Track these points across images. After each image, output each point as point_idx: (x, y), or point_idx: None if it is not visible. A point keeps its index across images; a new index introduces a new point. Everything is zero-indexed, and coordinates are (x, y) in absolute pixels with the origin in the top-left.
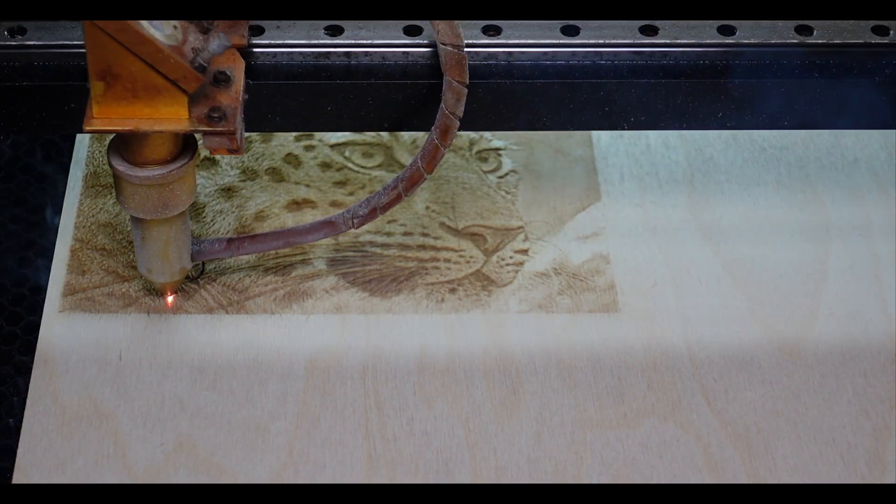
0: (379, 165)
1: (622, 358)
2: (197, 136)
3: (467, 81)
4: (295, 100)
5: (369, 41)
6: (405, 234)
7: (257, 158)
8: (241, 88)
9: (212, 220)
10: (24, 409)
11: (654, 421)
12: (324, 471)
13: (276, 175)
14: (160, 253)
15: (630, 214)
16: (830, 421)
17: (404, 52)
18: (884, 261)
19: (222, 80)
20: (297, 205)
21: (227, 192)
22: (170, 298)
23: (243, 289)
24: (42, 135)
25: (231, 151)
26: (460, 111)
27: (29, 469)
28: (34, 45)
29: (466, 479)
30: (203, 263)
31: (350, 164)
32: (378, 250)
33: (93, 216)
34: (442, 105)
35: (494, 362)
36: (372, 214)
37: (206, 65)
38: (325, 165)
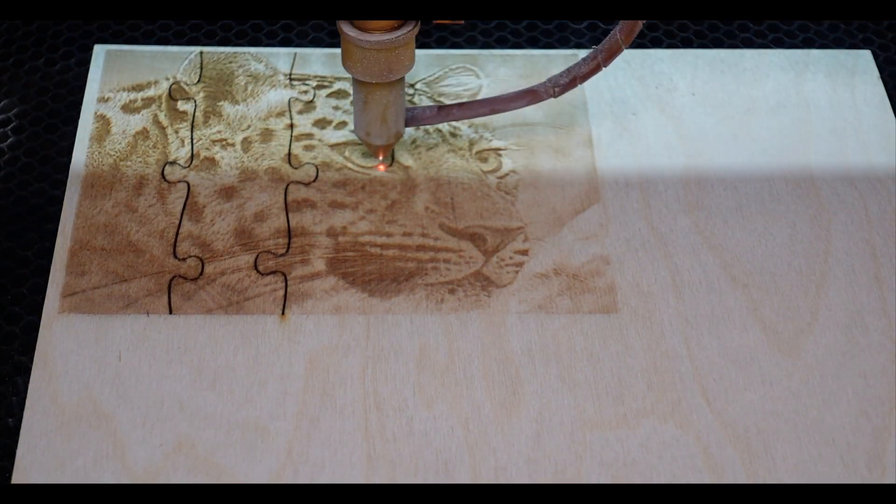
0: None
1: (622, 358)
2: None
3: None
4: None
5: None
6: (405, 234)
7: (257, 158)
8: None
9: (211, 221)
10: (23, 409)
11: (654, 421)
12: (323, 471)
13: (275, 175)
14: (380, 116)
15: (630, 215)
16: (830, 421)
17: None
18: (884, 261)
19: None
20: (296, 205)
21: (227, 192)
22: (381, 161)
23: (242, 289)
24: None
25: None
26: None
27: (28, 469)
28: None
29: (466, 480)
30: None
31: (350, 164)
32: (378, 251)
33: (92, 217)
34: None
35: (494, 362)
36: (572, 83)
37: None
38: (325, 165)
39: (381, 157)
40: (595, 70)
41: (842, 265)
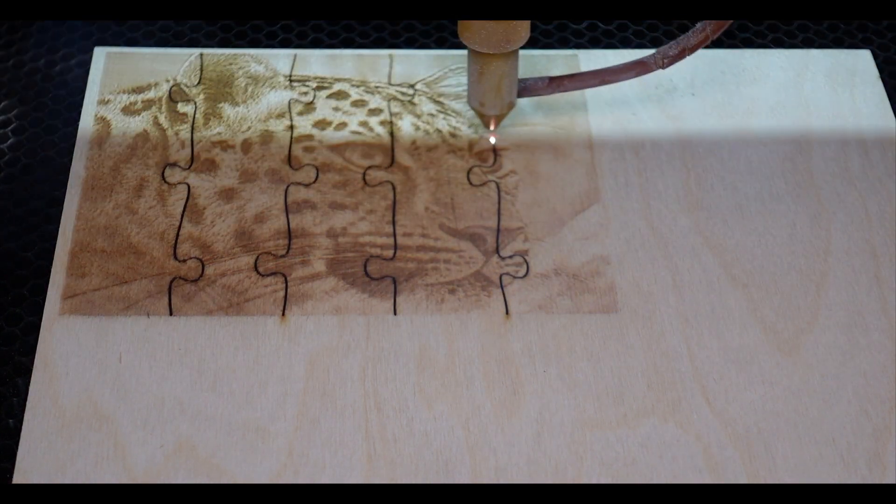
0: (378, 165)
1: (622, 358)
2: None
3: None
4: None
5: None
6: (405, 234)
7: (257, 160)
8: None
9: (211, 223)
10: (23, 409)
11: (654, 421)
12: (324, 472)
13: (275, 176)
14: (495, 86)
15: (630, 215)
16: (830, 421)
17: None
18: (884, 261)
19: None
20: (296, 206)
21: (227, 193)
22: (492, 131)
23: (243, 290)
24: None
25: None
26: None
27: (29, 471)
28: None
29: (466, 480)
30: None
31: (350, 165)
32: (378, 251)
33: (92, 219)
34: None
35: (494, 363)
36: (681, 55)
37: None
38: (325, 166)
39: (492, 128)
40: (703, 41)
41: (842, 265)
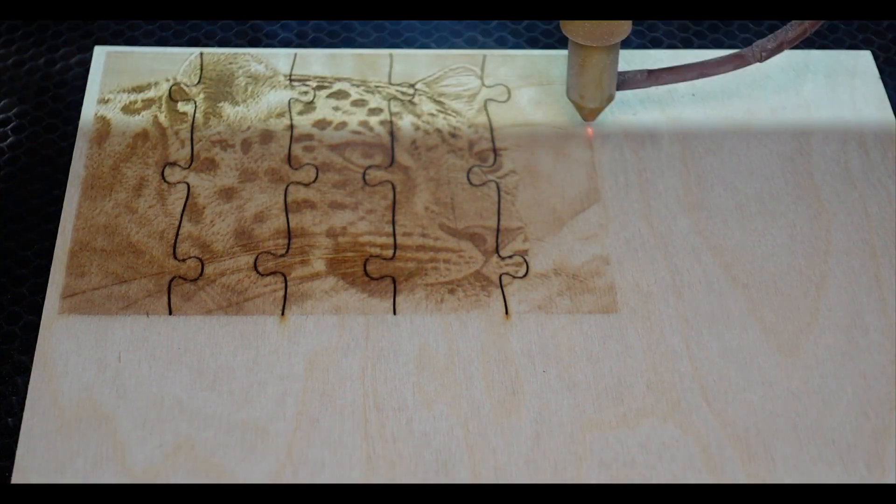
0: (378, 165)
1: (622, 358)
2: None
3: None
4: None
5: None
6: (404, 234)
7: (257, 159)
8: None
9: (211, 222)
10: (23, 408)
11: (654, 421)
12: (323, 471)
13: (275, 176)
14: (596, 79)
15: (630, 215)
16: (830, 422)
17: None
18: (884, 261)
19: None
20: (296, 205)
21: (227, 192)
22: (589, 124)
23: (242, 290)
24: None
25: None
26: None
27: (28, 470)
28: None
29: (466, 480)
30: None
31: (350, 165)
32: (377, 251)
33: (92, 218)
34: None
35: (494, 363)
36: (779, 48)
37: None
38: (325, 166)
39: (590, 121)
40: (802, 34)
41: (842, 265)
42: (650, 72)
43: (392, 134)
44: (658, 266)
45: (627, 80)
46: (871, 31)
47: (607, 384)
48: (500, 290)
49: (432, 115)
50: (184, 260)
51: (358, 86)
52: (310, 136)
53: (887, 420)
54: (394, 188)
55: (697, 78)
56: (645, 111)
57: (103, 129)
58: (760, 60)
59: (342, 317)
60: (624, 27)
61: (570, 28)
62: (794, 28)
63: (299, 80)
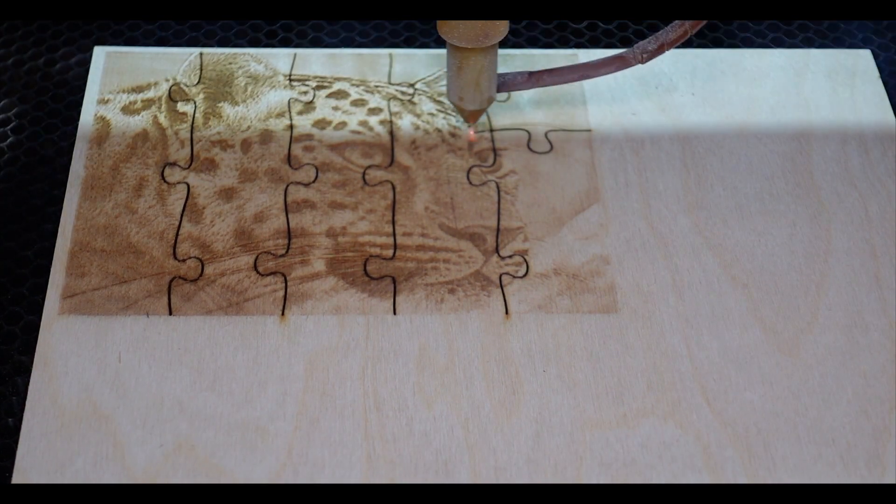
0: (378, 165)
1: (622, 358)
2: None
3: None
4: None
5: None
6: (404, 234)
7: (256, 159)
8: None
9: (211, 222)
10: (23, 408)
11: (654, 421)
12: (323, 471)
13: (275, 176)
14: (474, 81)
15: (630, 215)
16: (830, 421)
17: None
18: (884, 261)
19: None
20: (296, 205)
21: (227, 193)
22: (471, 126)
23: (242, 290)
24: None
25: None
26: None
27: (28, 470)
28: None
29: (466, 480)
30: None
31: (350, 165)
32: (377, 251)
33: (92, 219)
34: None
35: (494, 362)
36: (659, 50)
37: None
38: (325, 166)
39: (471, 122)
40: (682, 37)
41: (842, 265)
42: (531, 74)
43: (392, 134)
44: (658, 266)
45: (508, 82)
46: (871, 31)
47: (607, 384)
48: (500, 289)
49: (432, 114)
50: (184, 260)
51: (357, 85)
52: (309, 136)
53: (887, 420)
54: (394, 188)
55: (579, 80)
56: (645, 111)
57: (103, 129)
58: (642, 62)
59: (342, 317)
60: (500, 29)
61: (446, 30)
62: (675, 29)
63: (299, 80)
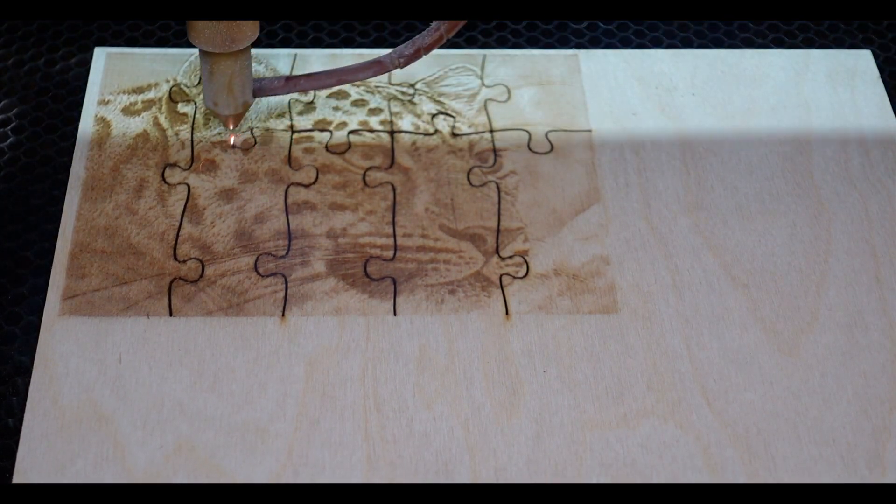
0: (378, 166)
1: (622, 358)
2: None
3: None
4: None
5: None
6: (404, 235)
7: (257, 160)
8: None
9: (211, 223)
10: (23, 409)
11: (654, 421)
12: (323, 472)
13: (275, 177)
14: (226, 86)
15: (630, 215)
16: (830, 421)
17: None
18: (884, 261)
19: None
20: (296, 206)
21: (227, 193)
22: (232, 130)
23: (243, 291)
24: None
25: None
26: None
27: (29, 471)
28: None
29: (466, 480)
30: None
31: (350, 166)
32: (378, 252)
33: (92, 220)
34: None
35: (494, 363)
36: (416, 54)
37: None
38: (325, 167)
39: (231, 128)
40: (438, 41)
41: (842, 265)
42: (288, 78)
43: (392, 134)
44: (658, 266)
45: (264, 87)
46: (872, 31)
47: (607, 384)
48: (500, 290)
49: (432, 115)
50: (184, 261)
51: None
52: (310, 138)
53: (887, 420)
54: (394, 189)
55: (336, 85)
56: (645, 111)
57: (103, 130)
58: (400, 66)
59: (342, 318)
60: (247, 33)
61: (193, 34)
62: (431, 34)
63: None
